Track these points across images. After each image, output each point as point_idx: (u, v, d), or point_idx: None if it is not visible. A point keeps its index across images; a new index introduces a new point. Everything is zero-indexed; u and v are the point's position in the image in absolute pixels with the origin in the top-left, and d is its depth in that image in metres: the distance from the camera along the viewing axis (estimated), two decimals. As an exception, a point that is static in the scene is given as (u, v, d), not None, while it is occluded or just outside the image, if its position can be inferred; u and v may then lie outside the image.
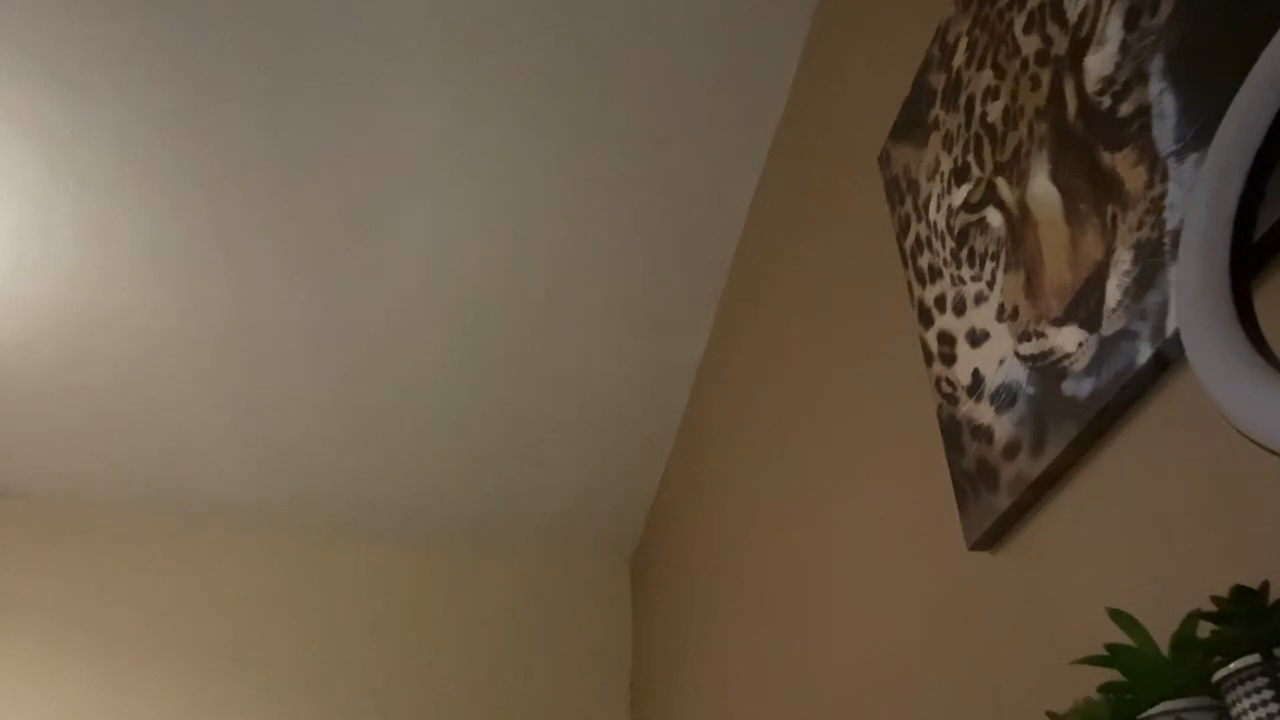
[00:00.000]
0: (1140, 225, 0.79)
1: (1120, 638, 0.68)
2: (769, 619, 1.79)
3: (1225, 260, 0.62)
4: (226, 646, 2.92)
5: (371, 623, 3.07)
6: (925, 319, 1.18)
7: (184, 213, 2.18)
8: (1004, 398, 0.98)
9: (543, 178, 2.13)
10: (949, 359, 1.11)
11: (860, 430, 1.42)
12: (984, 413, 1.02)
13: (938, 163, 1.18)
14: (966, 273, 1.09)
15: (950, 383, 1.10)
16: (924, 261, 1.20)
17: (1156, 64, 0.80)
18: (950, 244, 1.13)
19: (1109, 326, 0.82)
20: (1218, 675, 0.58)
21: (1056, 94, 0.94)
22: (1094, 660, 0.68)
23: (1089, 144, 0.88)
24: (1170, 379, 0.78)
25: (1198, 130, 0.74)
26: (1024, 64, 1.00)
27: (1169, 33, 0.79)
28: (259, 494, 3.03)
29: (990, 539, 1.01)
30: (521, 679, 3.08)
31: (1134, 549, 0.81)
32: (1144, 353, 0.78)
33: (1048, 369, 0.91)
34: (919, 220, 1.22)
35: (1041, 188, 0.94)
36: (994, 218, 1.03)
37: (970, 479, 1.03)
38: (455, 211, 2.20)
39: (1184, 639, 0.64)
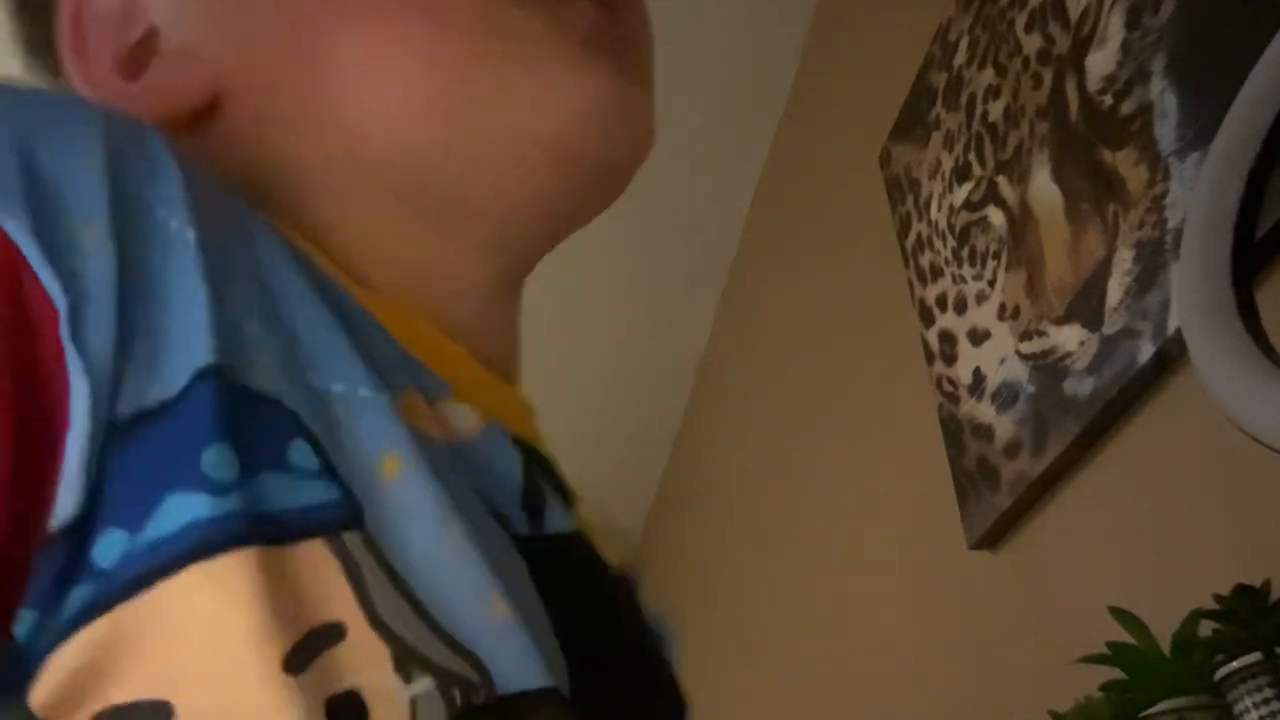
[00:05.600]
0: (1142, 224, 0.79)
1: (1122, 636, 0.68)
2: (770, 618, 1.79)
3: (1227, 259, 0.62)
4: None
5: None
6: (926, 318, 1.18)
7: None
8: (1005, 397, 0.98)
9: (543, 177, 2.13)
10: (950, 358, 1.11)
11: (861, 429, 1.43)
12: (985, 412, 1.02)
13: (939, 161, 1.18)
14: (968, 271, 1.09)
15: (951, 382, 1.10)
16: (925, 260, 1.20)
17: (1158, 63, 0.80)
18: (951, 243, 1.13)
19: (1110, 325, 0.82)
20: (1220, 674, 0.58)
21: (1058, 93, 0.94)
22: (1096, 659, 0.68)
23: (1090, 143, 0.88)
24: (1172, 378, 0.78)
25: (1199, 129, 0.74)
26: (1025, 63, 1.00)
27: (1170, 32, 0.79)
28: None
29: (991, 538, 1.01)
30: (522, 678, 3.07)
31: (1135, 547, 0.81)
32: (1145, 351, 0.78)
33: (1049, 368, 0.91)
34: (920, 219, 1.22)
35: (1043, 187, 0.94)
36: (995, 216, 1.03)
37: (971, 478, 1.03)
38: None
39: (1186, 637, 0.64)
